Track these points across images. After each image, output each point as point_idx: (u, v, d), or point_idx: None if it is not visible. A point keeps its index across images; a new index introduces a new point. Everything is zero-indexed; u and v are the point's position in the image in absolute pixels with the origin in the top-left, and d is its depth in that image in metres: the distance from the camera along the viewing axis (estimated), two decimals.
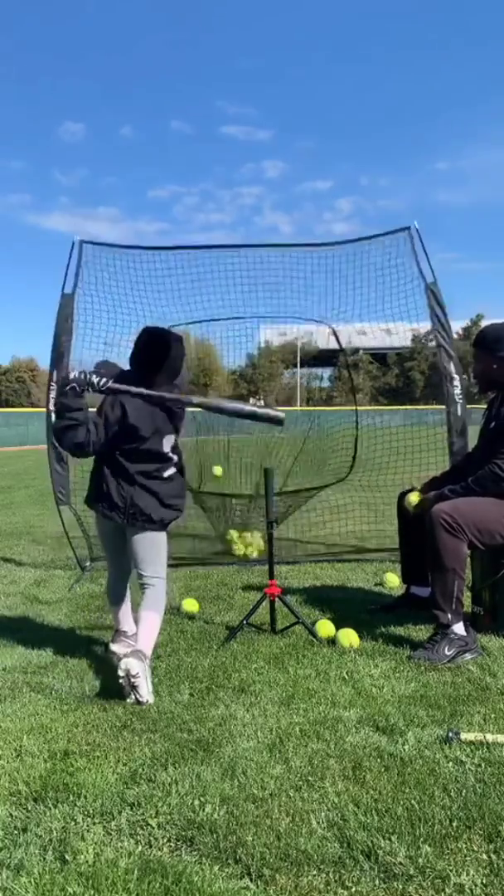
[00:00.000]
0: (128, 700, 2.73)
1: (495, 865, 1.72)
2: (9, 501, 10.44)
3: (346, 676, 2.96)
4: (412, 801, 1.99)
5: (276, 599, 3.56)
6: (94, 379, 2.85)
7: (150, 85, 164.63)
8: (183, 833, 1.89)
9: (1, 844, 1.87)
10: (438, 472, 3.98)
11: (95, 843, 1.85)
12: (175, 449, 3.16)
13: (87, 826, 1.94)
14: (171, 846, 1.85)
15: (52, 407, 4.99)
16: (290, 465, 6.07)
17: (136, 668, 2.70)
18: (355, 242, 5.37)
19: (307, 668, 3.07)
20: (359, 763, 2.23)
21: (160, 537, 3.15)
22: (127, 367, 3.22)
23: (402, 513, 3.83)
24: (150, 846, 1.85)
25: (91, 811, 2.01)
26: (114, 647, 3.30)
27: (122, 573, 3.32)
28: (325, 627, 3.49)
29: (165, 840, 1.87)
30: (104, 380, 2.87)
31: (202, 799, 2.04)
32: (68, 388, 2.85)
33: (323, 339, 5.88)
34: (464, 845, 1.80)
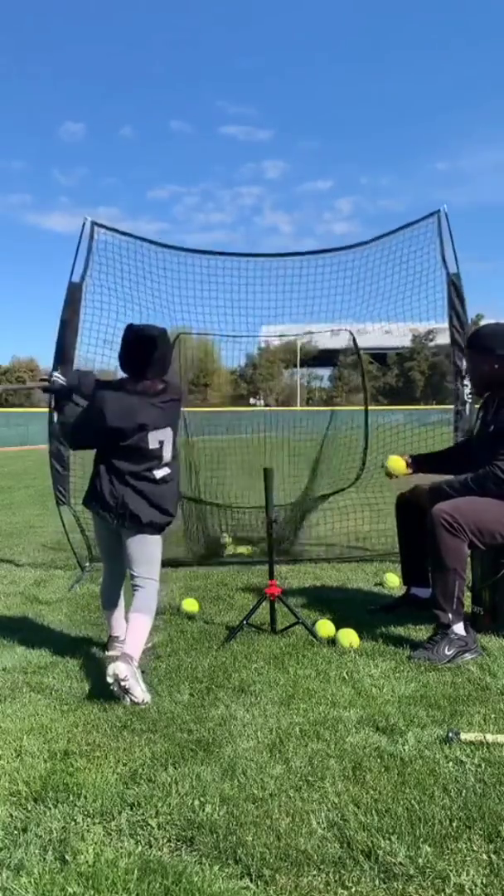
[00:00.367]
0: (125, 702, 2.73)
1: (495, 865, 1.72)
2: (9, 501, 10.44)
3: (346, 676, 2.96)
4: (412, 801, 1.99)
5: (276, 599, 3.56)
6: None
7: (150, 85, 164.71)
8: (183, 833, 1.89)
9: (1, 844, 1.87)
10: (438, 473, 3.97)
11: (95, 843, 1.85)
12: (165, 447, 3.09)
13: (87, 826, 1.94)
14: (171, 846, 1.85)
15: (52, 407, 4.96)
16: (295, 469, 6.04)
17: (123, 671, 2.69)
18: (385, 238, 5.20)
19: (307, 668, 3.07)
20: (359, 763, 2.23)
21: (153, 539, 3.13)
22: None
23: (400, 514, 3.83)
24: (150, 846, 1.85)
25: (91, 811, 2.01)
26: (109, 654, 3.27)
27: (116, 576, 3.31)
28: (325, 627, 3.49)
29: (165, 840, 1.87)
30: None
31: (202, 799, 2.04)
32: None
33: (329, 338, 5.84)
34: (464, 845, 1.80)
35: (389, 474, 3.79)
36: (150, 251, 5.30)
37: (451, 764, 2.21)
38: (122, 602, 3.36)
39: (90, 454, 3.22)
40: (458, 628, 3.17)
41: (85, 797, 2.07)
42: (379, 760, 2.24)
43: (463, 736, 2.34)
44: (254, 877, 1.71)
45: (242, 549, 5.71)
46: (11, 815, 2.01)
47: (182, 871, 1.72)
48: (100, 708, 2.70)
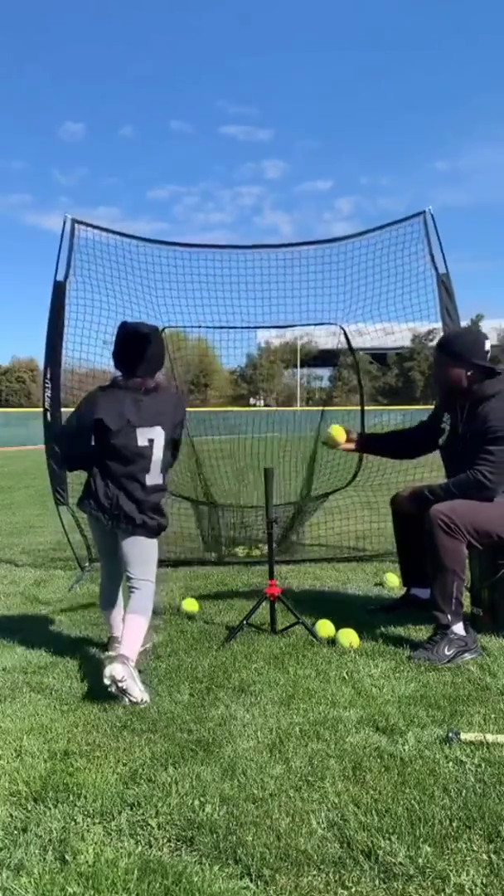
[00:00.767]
0: (124, 703, 2.73)
1: (495, 865, 1.72)
2: (9, 501, 10.44)
3: (346, 676, 2.96)
4: (412, 801, 1.99)
5: (276, 599, 3.56)
6: None
7: (150, 85, 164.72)
8: (183, 833, 1.89)
9: (1, 844, 1.87)
10: (438, 472, 3.97)
11: (95, 843, 1.85)
12: (155, 447, 3.04)
13: (87, 826, 1.94)
14: (171, 846, 1.85)
15: (47, 406, 4.96)
16: (298, 469, 6.04)
17: (119, 672, 2.68)
18: (369, 234, 5.22)
19: (307, 668, 3.07)
20: (359, 763, 2.23)
21: (149, 541, 3.13)
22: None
23: (396, 515, 3.81)
24: (150, 846, 1.85)
25: (91, 811, 2.01)
26: (109, 654, 3.25)
27: (114, 576, 3.30)
28: (325, 627, 3.49)
29: (165, 840, 1.87)
30: None
31: (202, 799, 2.04)
32: None
33: (328, 338, 5.83)
34: (464, 845, 1.79)
35: (327, 443, 3.78)
36: (135, 247, 5.30)
37: (451, 764, 2.21)
38: (120, 602, 3.36)
39: None
40: (458, 628, 3.17)
41: (85, 797, 2.07)
42: (379, 760, 2.24)
43: (463, 736, 2.34)
44: (254, 877, 1.71)
45: (255, 552, 5.69)
46: (11, 815, 2.01)
47: (182, 871, 1.72)
48: (100, 708, 2.70)
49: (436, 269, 4.94)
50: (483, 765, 2.20)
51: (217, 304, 5.47)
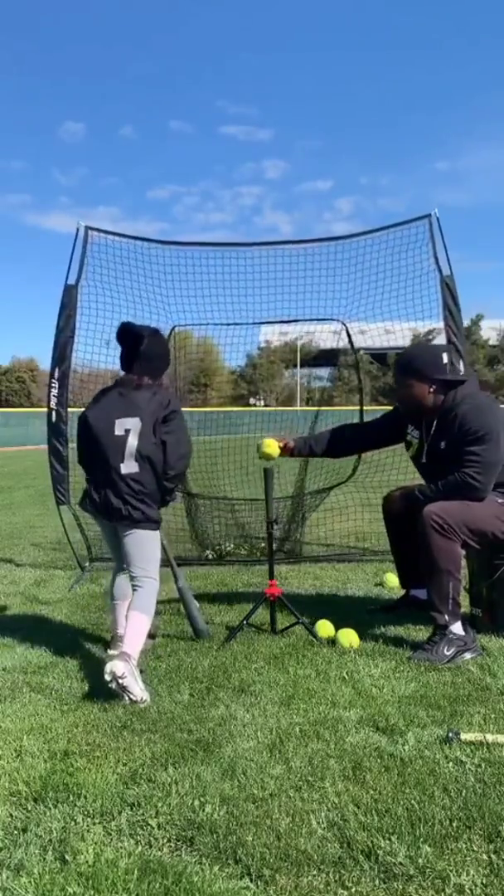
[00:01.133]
0: (124, 701, 2.73)
1: (495, 865, 1.72)
2: (9, 501, 10.45)
3: (346, 676, 2.96)
4: (412, 801, 1.99)
5: (276, 599, 3.56)
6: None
7: (150, 85, 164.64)
8: (183, 833, 1.89)
9: (1, 844, 1.87)
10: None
11: (95, 843, 1.85)
12: (130, 437, 3.03)
13: (87, 826, 1.94)
14: (171, 846, 1.85)
15: (52, 406, 4.99)
16: (298, 470, 6.04)
17: (121, 669, 2.69)
18: (375, 233, 5.24)
19: (307, 668, 3.07)
20: (359, 763, 2.22)
21: (147, 536, 3.10)
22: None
23: (389, 518, 3.80)
24: (150, 846, 1.85)
25: (91, 811, 2.01)
26: (111, 652, 3.26)
27: (122, 569, 3.30)
28: (325, 627, 3.49)
29: (165, 840, 1.87)
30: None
31: (202, 799, 2.04)
32: None
33: (328, 338, 5.84)
34: (464, 845, 1.79)
35: (262, 458, 3.77)
36: (145, 251, 5.36)
37: (451, 764, 2.21)
38: (129, 595, 3.33)
39: None
40: (456, 628, 3.17)
41: (85, 797, 2.07)
42: (379, 760, 2.24)
43: (463, 736, 2.34)
44: (254, 877, 1.71)
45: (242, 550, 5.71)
46: (11, 815, 2.01)
47: (182, 871, 1.72)
48: (100, 708, 2.70)
49: (440, 270, 4.96)
50: (483, 765, 2.20)
51: (222, 302, 5.51)
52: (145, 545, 3.11)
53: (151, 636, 3.47)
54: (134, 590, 3.10)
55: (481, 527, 3.23)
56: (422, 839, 1.81)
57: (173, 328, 5.49)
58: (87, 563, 5.13)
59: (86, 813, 2.00)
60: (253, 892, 1.66)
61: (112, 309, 5.23)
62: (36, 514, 8.74)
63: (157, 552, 3.16)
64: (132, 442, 3.04)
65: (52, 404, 4.95)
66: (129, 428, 3.05)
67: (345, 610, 3.94)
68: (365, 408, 5.68)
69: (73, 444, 4.25)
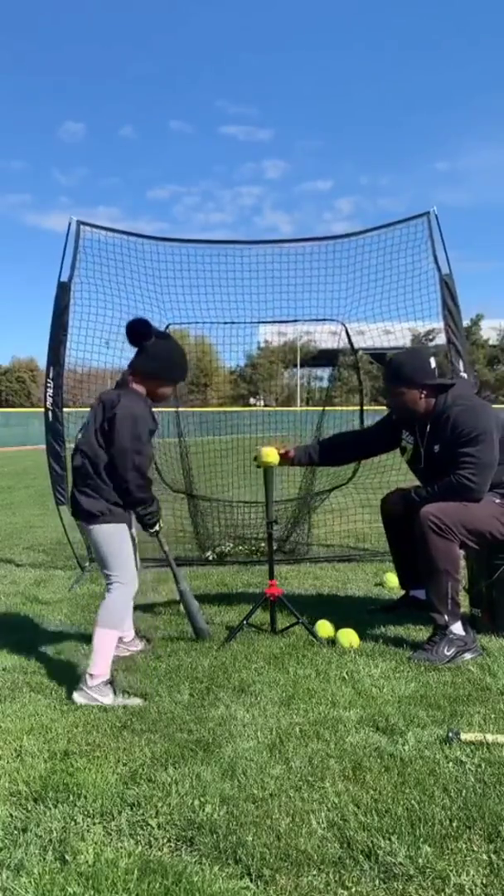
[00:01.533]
0: (128, 704, 2.74)
1: (495, 865, 1.72)
2: (9, 501, 10.45)
3: (346, 676, 2.96)
4: (412, 801, 1.99)
5: (276, 599, 3.56)
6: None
7: (150, 85, 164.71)
8: (183, 833, 1.89)
9: (1, 844, 1.88)
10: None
11: (95, 843, 1.85)
12: (85, 429, 3.00)
13: (87, 826, 1.94)
14: (171, 846, 1.85)
15: (48, 406, 4.99)
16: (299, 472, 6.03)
17: (79, 700, 2.76)
18: (373, 232, 5.24)
19: (307, 668, 3.07)
20: (359, 763, 2.23)
21: (101, 531, 2.92)
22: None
23: (387, 519, 3.80)
24: (150, 846, 1.85)
25: (91, 811, 2.01)
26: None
27: None
28: (325, 627, 3.49)
29: (165, 840, 1.87)
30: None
31: (202, 799, 2.04)
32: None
33: (331, 338, 5.84)
34: (464, 845, 1.79)
35: (262, 466, 3.72)
36: (137, 247, 5.32)
37: (451, 764, 2.21)
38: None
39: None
40: (456, 628, 3.17)
41: (85, 797, 2.07)
42: (379, 760, 2.24)
43: (463, 736, 2.34)
44: (254, 877, 1.71)
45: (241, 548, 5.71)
46: (11, 815, 2.01)
47: (182, 871, 1.72)
48: (100, 708, 2.71)
49: (439, 269, 4.95)
50: (483, 765, 2.20)
51: (220, 301, 5.50)
52: (105, 540, 2.94)
53: (147, 639, 3.46)
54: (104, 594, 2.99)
55: (479, 527, 3.23)
56: (422, 839, 1.81)
57: (167, 326, 5.48)
58: (86, 563, 5.13)
59: (86, 813, 2.00)
60: (253, 892, 1.66)
61: (106, 307, 5.19)
62: (36, 514, 8.74)
63: (116, 549, 2.94)
64: (82, 436, 3.02)
65: (48, 405, 4.94)
66: (87, 422, 3.03)
67: (345, 610, 3.94)
68: (365, 408, 5.68)
69: (70, 445, 4.25)
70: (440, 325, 5.08)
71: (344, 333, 5.47)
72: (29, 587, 4.82)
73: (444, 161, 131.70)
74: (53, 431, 4.96)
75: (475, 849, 1.78)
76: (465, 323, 5.46)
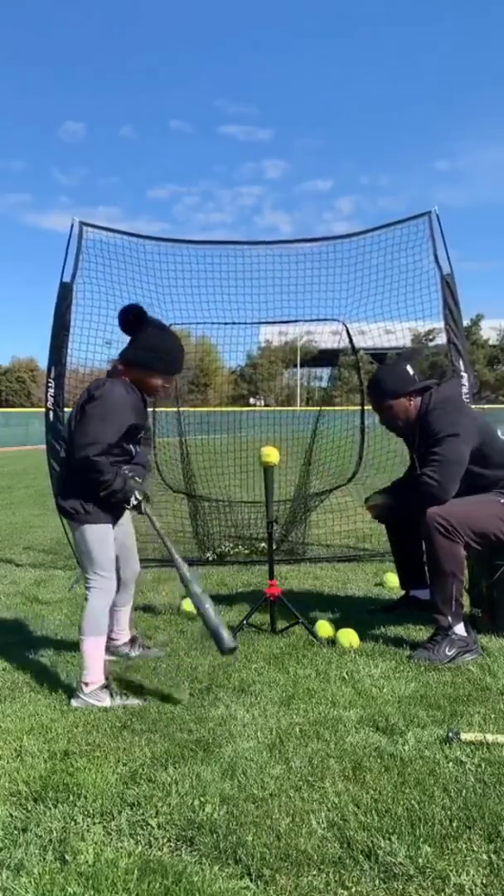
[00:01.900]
0: (128, 704, 2.74)
1: (495, 865, 1.72)
2: (9, 501, 10.45)
3: (346, 676, 2.96)
4: (412, 801, 1.99)
5: (276, 599, 3.56)
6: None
7: (150, 85, 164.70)
8: (183, 833, 1.89)
9: (1, 844, 1.87)
10: None
11: (95, 843, 1.85)
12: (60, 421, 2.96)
13: (87, 826, 1.94)
14: (171, 846, 1.85)
15: (49, 405, 4.99)
16: (298, 470, 6.04)
17: (76, 705, 2.74)
18: (374, 231, 5.25)
19: (307, 668, 3.07)
20: (359, 763, 2.22)
21: (82, 532, 2.85)
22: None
23: (388, 520, 3.80)
24: (150, 846, 1.85)
25: (91, 811, 2.01)
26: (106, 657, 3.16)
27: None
28: (325, 628, 3.49)
29: (165, 840, 1.87)
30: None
31: (202, 799, 2.04)
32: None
33: (331, 337, 5.84)
34: (464, 845, 1.79)
35: (264, 465, 3.69)
36: (139, 247, 5.33)
37: (451, 764, 2.21)
38: (127, 600, 3.31)
39: None
40: (459, 629, 3.17)
41: (85, 797, 2.07)
42: (379, 760, 2.24)
43: (463, 736, 2.34)
44: (254, 877, 1.71)
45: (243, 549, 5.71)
46: (11, 815, 2.01)
47: (182, 871, 1.72)
48: (100, 708, 2.70)
49: (440, 269, 4.95)
50: (483, 765, 2.20)
51: (222, 301, 5.51)
52: (78, 543, 2.90)
53: (146, 646, 3.42)
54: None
55: (484, 528, 3.23)
56: (422, 839, 1.81)
57: (168, 326, 5.49)
58: None
59: (86, 813, 2.00)
60: (253, 892, 1.66)
61: (108, 307, 5.18)
62: (36, 514, 8.73)
63: (96, 553, 2.85)
64: (69, 432, 2.97)
65: (49, 404, 4.95)
66: (71, 416, 3.01)
67: (345, 610, 3.95)
68: (366, 408, 5.68)
69: None
70: (441, 324, 5.08)
71: (345, 333, 5.47)
72: (29, 587, 4.82)
73: (444, 161, 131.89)
74: (54, 431, 4.96)
75: (475, 849, 1.78)
76: (466, 323, 5.47)
